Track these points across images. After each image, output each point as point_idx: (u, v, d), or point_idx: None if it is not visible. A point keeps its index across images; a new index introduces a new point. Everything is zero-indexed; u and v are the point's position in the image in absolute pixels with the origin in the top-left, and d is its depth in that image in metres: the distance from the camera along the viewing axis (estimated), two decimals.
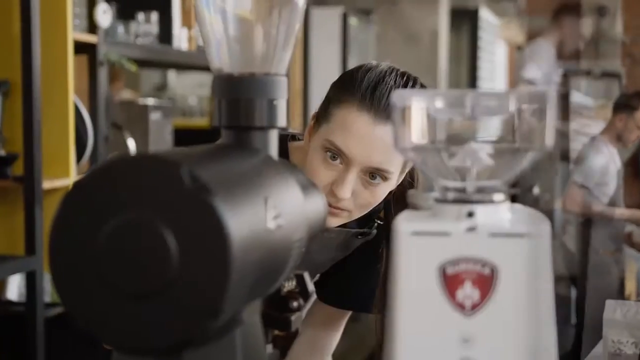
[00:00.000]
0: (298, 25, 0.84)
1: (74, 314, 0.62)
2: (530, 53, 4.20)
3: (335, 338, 1.50)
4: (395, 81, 1.24)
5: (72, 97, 2.45)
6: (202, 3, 0.81)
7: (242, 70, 0.81)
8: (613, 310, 1.96)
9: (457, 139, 0.73)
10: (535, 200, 4.18)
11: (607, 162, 4.03)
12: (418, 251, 0.68)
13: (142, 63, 3.18)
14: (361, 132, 1.20)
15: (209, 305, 0.60)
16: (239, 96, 0.80)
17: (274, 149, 0.81)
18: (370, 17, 4.98)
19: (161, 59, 3.12)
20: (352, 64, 5.81)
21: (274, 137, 0.82)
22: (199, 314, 0.60)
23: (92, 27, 2.61)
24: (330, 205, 1.23)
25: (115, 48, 2.72)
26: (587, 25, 4.39)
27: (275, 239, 0.69)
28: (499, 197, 0.70)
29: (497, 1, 8.55)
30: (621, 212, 4.09)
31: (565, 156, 4.38)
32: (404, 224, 0.69)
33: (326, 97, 1.28)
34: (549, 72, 4.26)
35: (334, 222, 1.27)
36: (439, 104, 0.70)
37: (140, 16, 2.96)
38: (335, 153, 1.22)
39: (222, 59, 0.81)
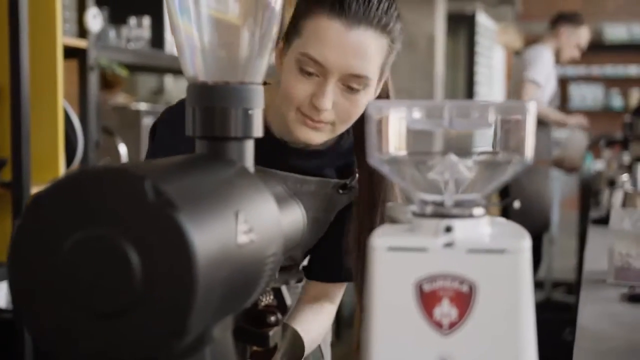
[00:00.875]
0: (275, 31, 0.81)
1: (33, 332, 0.60)
2: (533, 56, 4.27)
3: (331, 312, 1.45)
4: None
5: (61, 102, 2.42)
6: (176, 9, 0.79)
7: (217, 78, 0.79)
8: (620, 219, 1.87)
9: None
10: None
11: (551, 66, 4.39)
12: (394, 267, 0.66)
13: (134, 68, 3.15)
14: (335, 39, 1.18)
15: (174, 324, 0.58)
16: (214, 105, 0.77)
17: (249, 160, 0.79)
18: None
19: (153, 64, 3.09)
20: None
21: (249, 147, 0.79)
22: (164, 333, 0.58)
23: (83, 32, 2.58)
24: (312, 119, 1.22)
25: (106, 53, 2.69)
26: (585, 34, 4.43)
27: (246, 254, 0.66)
28: (478, 211, 0.68)
29: (494, 6, 8.54)
30: (561, 116, 4.57)
31: None
32: (380, 239, 0.66)
33: (294, 13, 1.26)
34: (549, 77, 4.35)
35: (318, 136, 1.25)
36: (416, 115, 0.68)
37: (132, 21, 2.94)
38: (310, 66, 1.20)
39: (196, 67, 0.79)
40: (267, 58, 0.81)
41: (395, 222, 0.73)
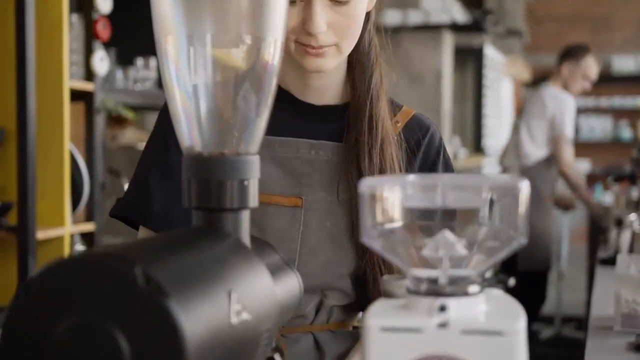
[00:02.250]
0: (270, 101, 0.81)
1: None
2: (560, 108, 4.26)
3: None
4: None
5: (67, 145, 2.43)
6: (172, 79, 0.79)
7: (213, 149, 0.79)
8: (626, 264, 1.83)
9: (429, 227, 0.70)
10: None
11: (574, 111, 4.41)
12: (388, 348, 0.65)
13: (142, 108, 3.17)
14: None
15: None
16: (210, 177, 0.77)
17: (245, 231, 0.79)
18: None
19: (160, 104, 3.10)
20: None
21: (245, 218, 0.79)
22: None
23: (90, 75, 2.60)
24: (312, 47, 1.14)
25: (112, 95, 2.71)
26: (590, 64, 4.43)
27: (240, 333, 0.66)
28: (473, 288, 0.67)
29: (502, 38, 8.57)
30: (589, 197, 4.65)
31: None
32: (374, 318, 0.66)
33: None
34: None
35: (327, 62, 1.16)
36: (409, 191, 0.68)
37: (139, 62, 2.96)
38: None
39: (192, 138, 0.79)
40: (263, 128, 0.81)
41: (391, 296, 0.72)
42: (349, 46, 1.17)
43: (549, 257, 4.33)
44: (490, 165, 7.53)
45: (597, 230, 4.59)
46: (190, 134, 0.79)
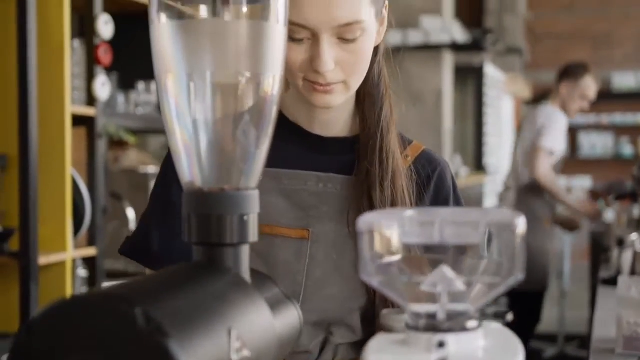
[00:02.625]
0: (269, 135, 0.82)
1: None
2: (547, 120, 4.28)
3: None
4: None
5: (69, 171, 2.44)
6: (172, 114, 0.80)
7: (213, 184, 0.80)
8: (627, 286, 1.82)
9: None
10: None
11: (564, 127, 4.38)
12: None
13: (143, 131, 3.19)
14: None
15: None
16: (210, 212, 0.78)
17: (245, 265, 0.79)
18: None
19: (161, 128, 3.13)
20: None
21: (245, 252, 0.80)
22: None
23: (91, 100, 2.61)
24: (320, 84, 1.13)
25: (114, 119, 2.72)
26: (589, 83, 4.44)
27: None
28: (472, 324, 0.68)
29: (502, 56, 8.60)
30: (571, 201, 4.55)
31: None
32: (373, 354, 0.66)
33: None
34: (562, 142, 4.38)
35: (335, 99, 1.16)
36: (407, 227, 0.68)
37: (141, 85, 2.98)
38: (297, 32, 1.11)
39: (192, 173, 0.80)
40: (264, 160, 0.82)
41: (390, 331, 0.73)
42: (357, 82, 1.17)
43: (545, 278, 4.32)
44: (491, 184, 7.54)
45: (599, 249, 4.58)
46: (190, 169, 0.80)
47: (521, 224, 0.67)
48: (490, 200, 7.37)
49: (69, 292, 2.44)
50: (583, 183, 10.02)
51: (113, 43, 2.72)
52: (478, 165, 7.40)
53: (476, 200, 6.91)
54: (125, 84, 2.94)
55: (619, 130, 9.94)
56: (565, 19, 9.90)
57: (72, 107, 2.49)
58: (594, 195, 9.64)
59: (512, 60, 9.19)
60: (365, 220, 0.69)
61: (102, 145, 2.62)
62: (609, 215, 5.43)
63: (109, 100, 2.71)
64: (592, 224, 4.93)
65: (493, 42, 6.47)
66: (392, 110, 1.25)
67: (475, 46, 5.82)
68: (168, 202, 1.21)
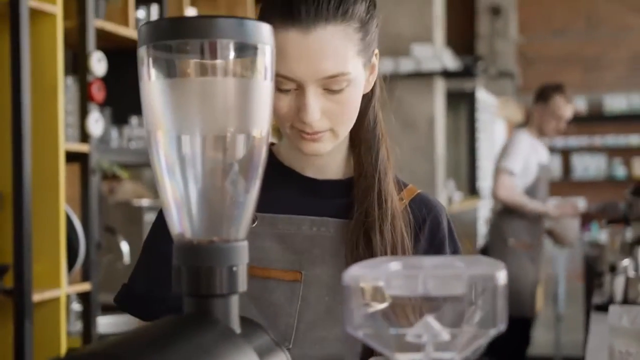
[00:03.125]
0: (257, 187, 0.84)
1: None
2: (510, 143, 4.37)
3: None
4: None
5: (63, 207, 2.46)
6: (162, 169, 0.82)
7: (203, 236, 0.81)
8: (619, 316, 1.83)
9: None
10: None
11: (529, 152, 4.34)
12: None
13: (137, 165, 3.20)
14: (296, 49, 1.10)
15: None
16: (200, 264, 0.80)
17: (234, 315, 0.81)
18: None
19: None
20: None
21: (234, 302, 0.81)
22: None
23: (85, 136, 2.63)
24: (307, 133, 1.15)
25: (108, 155, 2.74)
26: (559, 103, 4.42)
27: None
28: None
29: (494, 79, 8.66)
30: (538, 205, 4.41)
31: None
32: None
33: None
34: (528, 163, 4.35)
35: (323, 146, 1.17)
36: (392, 280, 0.70)
37: (134, 120, 3.00)
38: (284, 83, 1.12)
39: (182, 225, 0.82)
40: (252, 211, 0.84)
41: None
42: (344, 130, 1.18)
43: (527, 304, 4.31)
44: (485, 208, 7.56)
45: (593, 272, 4.60)
46: (180, 221, 0.82)
47: (502, 276, 0.69)
48: (484, 224, 7.40)
49: (63, 328, 2.45)
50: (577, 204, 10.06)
51: (106, 78, 2.74)
52: (471, 189, 7.43)
53: (470, 225, 6.92)
54: (118, 118, 2.96)
55: (611, 152, 10.00)
56: (556, 42, 9.98)
57: (66, 143, 2.51)
58: (587, 217, 9.66)
59: (504, 83, 9.25)
60: (351, 273, 0.71)
61: (95, 181, 2.64)
62: (602, 236, 5.45)
63: (102, 135, 2.73)
64: (576, 225, 4.90)
65: (484, 69, 6.52)
66: (388, 155, 1.25)
67: (466, 73, 5.87)
68: (158, 254, 1.22)
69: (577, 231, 4.81)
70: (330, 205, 1.25)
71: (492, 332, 0.70)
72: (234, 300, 0.81)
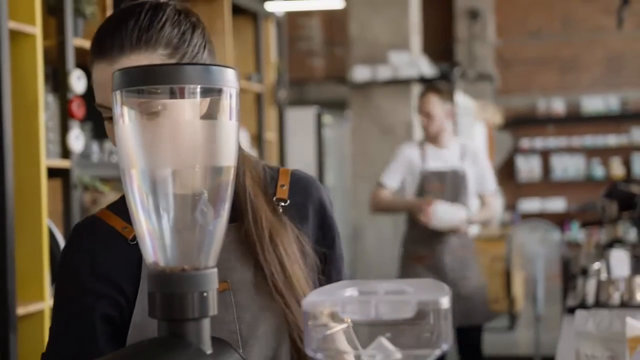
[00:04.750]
0: (225, 219, 0.90)
1: None
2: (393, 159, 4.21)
3: None
4: (121, 13, 1.21)
5: (45, 222, 2.51)
6: (136, 204, 0.88)
7: (175, 264, 0.88)
8: (585, 320, 1.88)
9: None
10: None
11: (406, 161, 4.13)
12: None
13: (118, 178, 3.26)
14: (103, 78, 1.17)
15: None
16: (172, 291, 0.86)
17: (206, 337, 0.87)
18: (344, 113, 5.11)
19: None
20: (328, 159, 5.95)
21: (206, 325, 0.88)
22: None
23: (66, 152, 2.69)
24: None
25: (88, 170, 2.79)
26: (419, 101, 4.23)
27: None
28: None
29: (472, 82, 8.75)
30: (398, 199, 4.14)
31: None
32: None
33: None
34: (406, 173, 4.17)
35: None
36: (347, 307, 0.77)
37: None
38: (106, 112, 1.18)
39: (156, 254, 0.88)
40: (221, 239, 0.91)
41: None
42: None
43: (483, 311, 4.26)
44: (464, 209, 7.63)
45: (569, 272, 4.67)
46: (153, 251, 0.88)
47: (446, 301, 0.76)
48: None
49: (47, 341, 2.50)
50: (557, 205, 10.19)
51: (86, 93, 2.79)
52: None
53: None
54: (98, 133, 3.02)
55: (589, 153, 10.13)
56: (533, 44, 10.10)
57: (47, 159, 2.56)
58: (566, 217, 9.80)
59: (483, 86, 9.36)
60: (309, 300, 0.78)
61: (77, 195, 2.69)
62: (581, 237, 5.54)
63: (83, 150, 2.79)
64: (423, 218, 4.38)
65: (461, 74, 6.61)
66: (247, 172, 1.29)
67: (443, 79, 5.95)
68: (80, 312, 1.23)
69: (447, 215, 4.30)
70: None
71: (438, 352, 0.77)
72: (206, 323, 0.87)
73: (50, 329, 1.27)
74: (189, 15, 1.24)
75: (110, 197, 3.77)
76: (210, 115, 0.87)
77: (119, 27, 1.19)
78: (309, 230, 1.32)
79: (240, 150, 1.29)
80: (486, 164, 4.16)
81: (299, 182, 1.34)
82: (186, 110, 0.86)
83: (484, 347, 4.43)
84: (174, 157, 0.86)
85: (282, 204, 1.29)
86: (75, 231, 1.30)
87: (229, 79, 0.87)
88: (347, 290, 0.79)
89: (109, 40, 1.18)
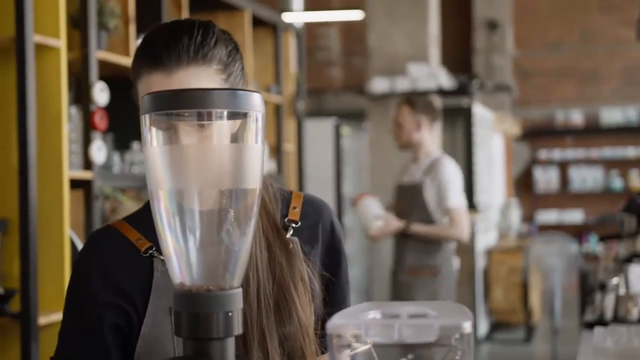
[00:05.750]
0: (250, 239, 0.92)
1: None
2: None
3: None
4: (172, 26, 1.23)
5: (67, 233, 2.54)
6: (164, 225, 0.90)
7: (201, 283, 0.90)
8: (603, 338, 1.89)
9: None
10: None
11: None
12: None
13: (139, 187, 3.29)
14: (158, 89, 1.16)
15: None
16: (198, 311, 0.88)
17: (230, 356, 0.89)
18: (362, 124, 5.12)
19: None
20: (346, 170, 5.97)
21: (231, 344, 0.89)
22: None
23: (88, 163, 2.72)
24: None
25: (109, 180, 2.82)
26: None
27: None
28: None
29: (491, 94, 8.74)
30: (418, 227, 3.95)
31: None
32: None
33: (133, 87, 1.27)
34: None
35: None
36: (371, 330, 0.78)
37: (136, 145, 3.09)
38: None
39: (182, 275, 0.90)
40: (246, 260, 0.92)
41: None
42: None
43: None
44: (483, 222, 7.64)
45: (586, 287, 4.66)
46: (180, 272, 0.90)
47: (468, 325, 0.77)
48: (482, 237, 7.47)
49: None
50: (574, 216, 10.15)
51: (108, 105, 2.83)
52: (469, 203, 7.49)
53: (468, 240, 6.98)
54: (120, 144, 3.05)
55: (608, 164, 10.09)
56: (552, 56, 10.08)
57: (70, 171, 2.59)
58: (584, 229, 9.75)
59: (502, 97, 9.35)
60: (334, 322, 0.79)
61: (98, 206, 2.72)
62: (599, 249, 5.51)
63: (105, 161, 2.82)
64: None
65: (479, 87, 6.60)
66: (265, 198, 1.30)
67: (461, 91, 5.95)
68: (88, 322, 1.25)
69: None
70: None
71: None
72: (230, 342, 0.89)
73: (60, 333, 1.28)
74: (231, 37, 1.27)
75: (129, 206, 3.81)
76: (237, 138, 0.88)
77: (173, 39, 1.21)
78: (317, 252, 1.33)
79: None
80: (449, 179, 3.97)
81: (310, 205, 1.35)
82: (213, 133, 0.88)
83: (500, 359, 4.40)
84: (200, 178, 0.88)
85: (294, 225, 1.31)
86: (90, 239, 1.33)
87: (255, 103, 0.89)
88: (370, 313, 0.81)
89: (164, 51, 1.19)
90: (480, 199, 7.70)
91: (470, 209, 7.37)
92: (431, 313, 0.80)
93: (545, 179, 10.23)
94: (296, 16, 4.53)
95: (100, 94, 2.71)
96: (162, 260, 1.24)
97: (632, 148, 9.91)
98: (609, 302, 3.03)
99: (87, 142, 2.71)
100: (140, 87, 1.22)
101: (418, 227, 3.91)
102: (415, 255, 3.96)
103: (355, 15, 6.75)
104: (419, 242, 3.93)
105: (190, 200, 0.88)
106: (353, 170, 5.86)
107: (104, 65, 2.81)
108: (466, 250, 6.90)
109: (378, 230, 3.93)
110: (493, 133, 8.48)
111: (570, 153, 10.15)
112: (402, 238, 3.95)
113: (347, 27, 9.58)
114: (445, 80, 5.56)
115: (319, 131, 5.11)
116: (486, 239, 7.70)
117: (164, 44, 1.20)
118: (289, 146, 4.49)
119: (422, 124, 4.01)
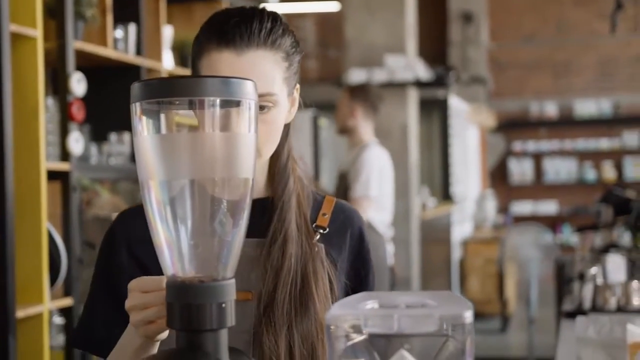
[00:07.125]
0: (243, 231, 0.91)
1: None
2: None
3: None
4: (242, 10, 1.24)
5: (45, 225, 2.51)
6: (155, 216, 0.89)
7: (193, 275, 0.88)
8: (585, 327, 1.88)
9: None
10: None
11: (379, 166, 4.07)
12: None
13: (116, 179, 3.26)
14: (228, 67, 1.19)
15: None
16: (190, 302, 0.86)
17: (223, 348, 0.88)
18: None
19: (133, 177, 3.20)
20: (323, 162, 5.96)
21: (224, 336, 0.88)
22: None
23: (65, 155, 2.68)
24: None
25: (87, 172, 2.79)
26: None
27: None
28: None
29: (466, 85, 8.77)
30: None
31: None
32: None
33: (191, 64, 1.27)
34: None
35: None
36: (369, 320, 0.77)
37: (113, 137, 3.05)
38: None
39: (174, 266, 0.88)
40: (239, 250, 0.91)
41: None
42: (269, 151, 1.24)
43: None
44: (458, 212, 7.67)
45: (563, 277, 4.68)
46: (172, 263, 0.88)
47: (469, 315, 0.76)
48: (457, 228, 7.50)
49: (46, 343, 2.50)
50: (549, 208, 10.22)
51: (86, 96, 2.79)
52: (445, 195, 7.53)
53: (444, 230, 7.02)
54: (98, 135, 3.02)
55: (581, 156, 10.16)
56: (526, 48, 10.12)
57: (47, 162, 2.56)
58: (558, 220, 9.82)
59: (477, 89, 9.37)
60: (332, 313, 0.78)
61: (76, 198, 2.69)
62: (574, 240, 5.55)
63: (82, 152, 2.79)
64: None
65: (456, 79, 6.62)
66: (297, 183, 1.31)
67: (438, 83, 5.96)
68: (110, 287, 1.25)
69: None
70: (255, 224, 1.22)
71: None
72: (223, 334, 0.88)
73: (89, 294, 1.30)
74: (292, 30, 1.28)
75: (106, 197, 3.77)
76: (229, 127, 0.87)
77: (245, 22, 1.21)
78: (344, 261, 1.32)
79: (294, 171, 1.30)
80: (361, 168, 3.94)
81: (341, 212, 1.35)
82: (205, 121, 0.86)
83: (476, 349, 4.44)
84: (192, 168, 0.87)
85: (321, 231, 1.30)
86: (121, 214, 1.34)
87: (248, 91, 0.88)
88: (368, 303, 0.80)
89: (237, 30, 1.20)
90: (456, 190, 7.74)
91: (446, 200, 7.42)
92: (430, 303, 0.80)
93: (520, 170, 10.29)
94: (273, 7, 4.49)
95: (78, 84, 2.68)
96: None
97: (606, 140, 9.99)
98: (587, 291, 3.05)
99: (64, 133, 2.67)
100: (203, 63, 1.22)
101: None
102: None
103: (331, 6, 6.72)
104: None
105: (180, 188, 0.87)
106: (331, 161, 5.85)
107: (81, 55, 2.78)
108: (442, 241, 6.93)
109: None
110: (468, 125, 8.52)
111: (545, 145, 10.21)
112: None
113: (323, 19, 9.55)
114: (422, 71, 5.56)
115: (297, 123, 5.10)
116: (462, 230, 7.75)
117: (236, 24, 1.21)
118: None
119: (356, 111, 4.05)
